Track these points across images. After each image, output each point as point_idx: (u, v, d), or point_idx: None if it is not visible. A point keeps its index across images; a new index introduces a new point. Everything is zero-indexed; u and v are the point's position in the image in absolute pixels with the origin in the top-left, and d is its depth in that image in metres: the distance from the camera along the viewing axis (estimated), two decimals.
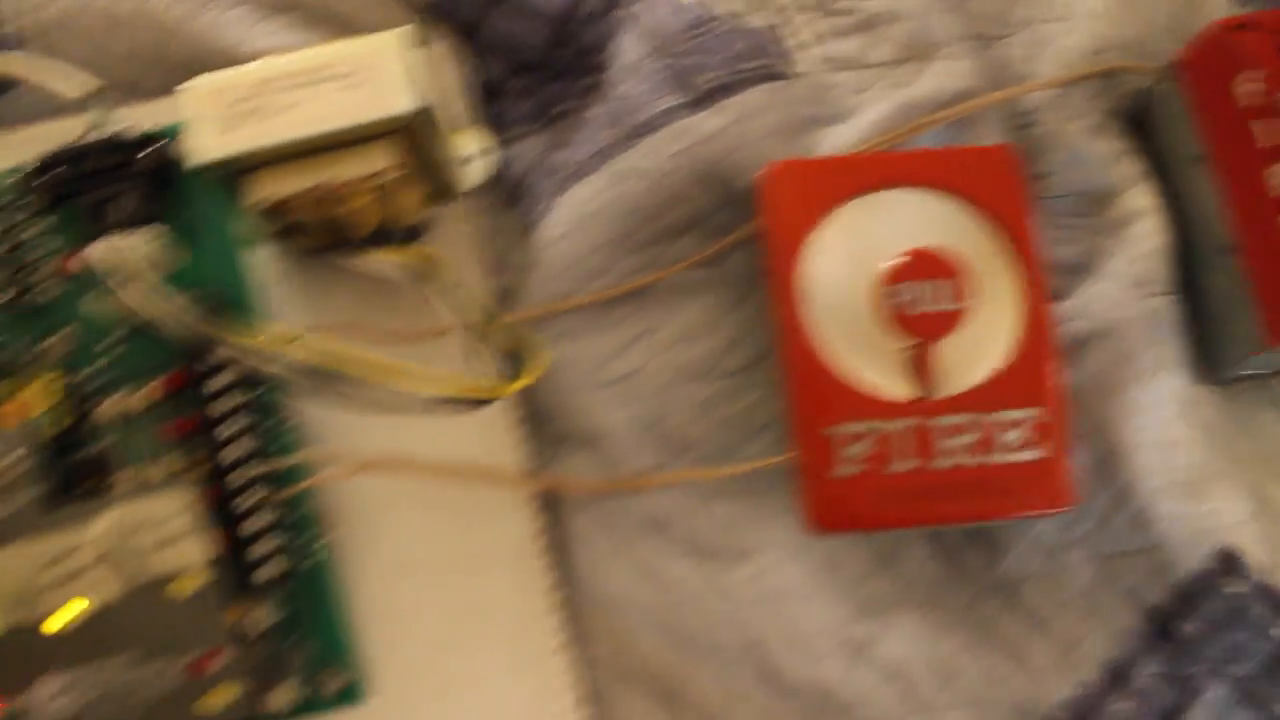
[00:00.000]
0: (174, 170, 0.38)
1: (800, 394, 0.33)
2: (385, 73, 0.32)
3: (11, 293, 0.39)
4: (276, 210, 0.33)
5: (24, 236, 0.39)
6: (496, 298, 0.37)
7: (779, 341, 0.34)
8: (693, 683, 0.35)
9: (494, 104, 0.39)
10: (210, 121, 0.33)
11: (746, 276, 0.36)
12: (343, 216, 0.34)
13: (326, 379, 0.31)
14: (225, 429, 0.35)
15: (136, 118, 0.38)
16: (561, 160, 0.38)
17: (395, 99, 0.32)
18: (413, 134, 0.34)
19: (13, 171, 0.39)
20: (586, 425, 0.36)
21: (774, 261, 0.34)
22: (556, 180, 0.37)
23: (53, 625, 0.35)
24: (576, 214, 0.36)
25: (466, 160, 0.38)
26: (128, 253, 0.34)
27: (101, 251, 0.35)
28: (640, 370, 0.36)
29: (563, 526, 0.36)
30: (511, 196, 0.38)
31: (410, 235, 0.36)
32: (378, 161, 0.33)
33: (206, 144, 0.33)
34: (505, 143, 0.39)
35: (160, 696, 0.34)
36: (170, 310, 0.32)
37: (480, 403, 0.32)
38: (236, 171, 0.34)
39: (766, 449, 0.35)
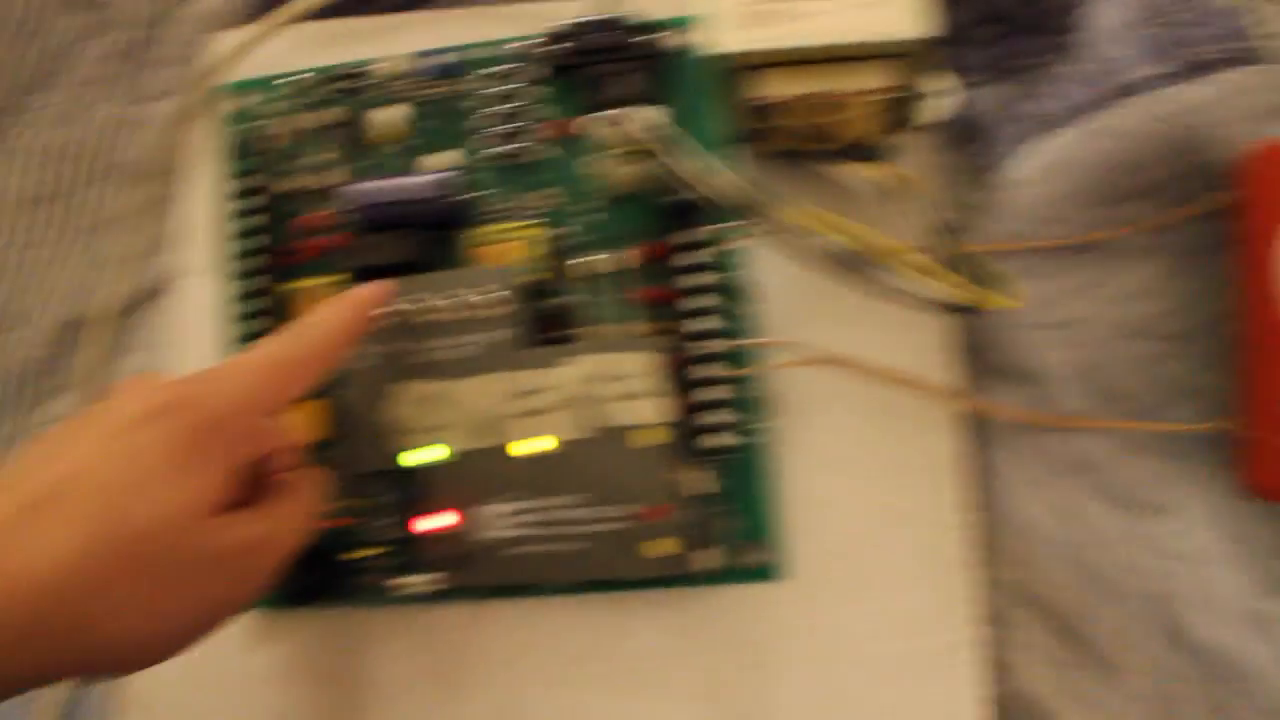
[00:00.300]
0: (670, 58, 0.40)
1: (1264, 365, 0.34)
2: None
3: (507, 149, 0.42)
4: (767, 110, 0.35)
5: (523, 100, 0.42)
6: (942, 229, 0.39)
7: (1246, 313, 0.35)
8: (1094, 623, 0.36)
9: (955, 48, 0.41)
10: (731, 17, 0.35)
11: (1199, 247, 0.38)
12: (829, 126, 0.36)
13: (849, 262, 0.32)
14: (693, 302, 0.37)
15: (642, 4, 0.40)
16: (1029, 110, 0.39)
17: (909, 23, 0.34)
18: (912, 60, 0.35)
19: (517, 40, 0.42)
20: (1023, 361, 0.38)
21: (1250, 237, 0.35)
22: (1023, 129, 0.39)
23: (515, 454, 0.38)
24: (1045, 163, 0.38)
25: (932, 95, 0.39)
26: (636, 125, 0.36)
27: (614, 119, 0.37)
28: (1084, 319, 0.38)
29: (986, 451, 0.38)
30: (965, 137, 0.40)
31: (876, 155, 0.38)
32: (878, 79, 0.35)
33: (725, 37, 0.35)
34: (970, 85, 0.41)
35: (606, 534, 0.36)
36: (711, 177, 0.34)
37: (965, 310, 0.34)
38: (742, 68, 0.35)
39: (1197, 414, 0.37)
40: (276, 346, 0.32)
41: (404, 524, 0.39)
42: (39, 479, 0.26)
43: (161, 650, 0.28)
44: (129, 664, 0.27)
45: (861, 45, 0.33)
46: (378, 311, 0.37)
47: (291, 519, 0.32)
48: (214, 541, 0.28)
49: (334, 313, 0.34)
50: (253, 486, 0.32)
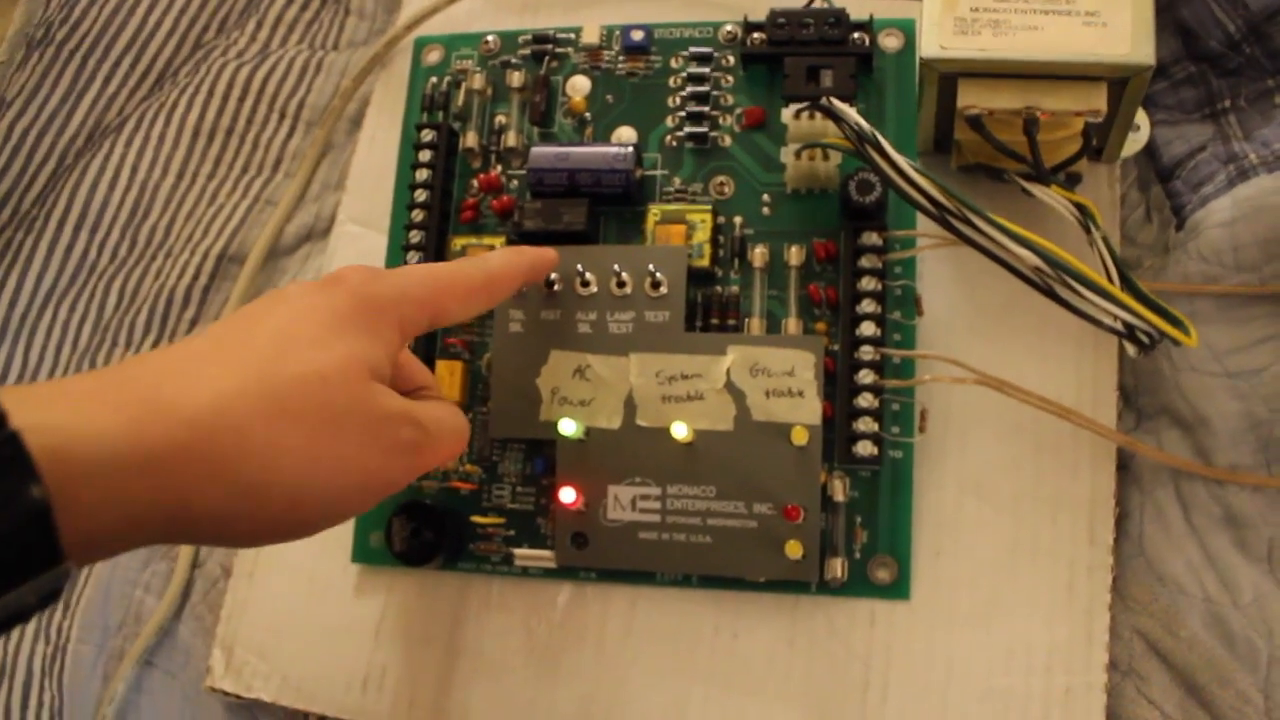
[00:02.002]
0: (876, 58, 0.40)
1: None
2: (1130, 20, 0.33)
3: (690, 131, 0.42)
4: (967, 121, 0.35)
5: (710, 85, 0.42)
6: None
7: None
8: (1229, 686, 0.35)
9: (1154, 83, 0.40)
10: (946, 24, 0.34)
11: None
12: (1024, 145, 0.35)
13: (1051, 278, 0.32)
14: (860, 308, 0.37)
15: (868, 4, 0.40)
16: (1224, 154, 0.38)
17: (1134, 48, 0.33)
18: (1122, 87, 0.34)
19: (711, 25, 0.42)
20: (1187, 407, 0.37)
21: None
22: (1215, 171, 0.38)
23: (656, 437, 0.37)
24: (1236, 208, 0.37)
25: (1131, 128, 0.38)
26: (843, 119, 0.36)
27: (822, 112, 0.37)
28: (1258, 370, 0.37)
29: (1134, 494, 0.37)
30: (1162, 175, 0.39)
31: (1065, 180, 0.37)
32: (1094, 101, 0.34)
33: (939, 41, 0.34)
34: (1156, 123, 0.40)
35: (736, 531, 0.36)
36: (912, 177, 0.34)
37: (1141, 342, 0.33)
38: (951, 76, 0.35)
39: None
40: (451, 266, 0.32)
41: (532, 495, 0.39)
42: (209, 331, 0.27)
43: (299, 510, 0.27)
44: (265, 520, 0.26)
45: (1076, 65, 0.33)
46: (545, 274, 0.37)
47: (450, 418, 0.32)
48: (372, 403, 0.27)
49: (512, 256, 0.35)
50: (408, 392, 0.32)
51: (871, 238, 0.37)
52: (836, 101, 0.35)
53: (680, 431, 0.36)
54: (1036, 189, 0.35)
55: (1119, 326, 0.32)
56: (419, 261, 0.41)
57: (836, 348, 0.37)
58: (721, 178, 0.40)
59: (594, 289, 0.38)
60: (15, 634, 0.44)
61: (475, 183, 0.42)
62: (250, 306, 0.28)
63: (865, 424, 0.36)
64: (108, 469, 0.23)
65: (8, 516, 0.21)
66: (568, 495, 0.36)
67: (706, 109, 0.40)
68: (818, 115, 0.37)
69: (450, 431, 0.32)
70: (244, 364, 0.25)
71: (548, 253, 0.36)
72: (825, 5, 0.38)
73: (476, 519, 0.39)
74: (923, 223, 0.38)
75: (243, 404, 0.25)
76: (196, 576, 0.43)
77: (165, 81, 0.51)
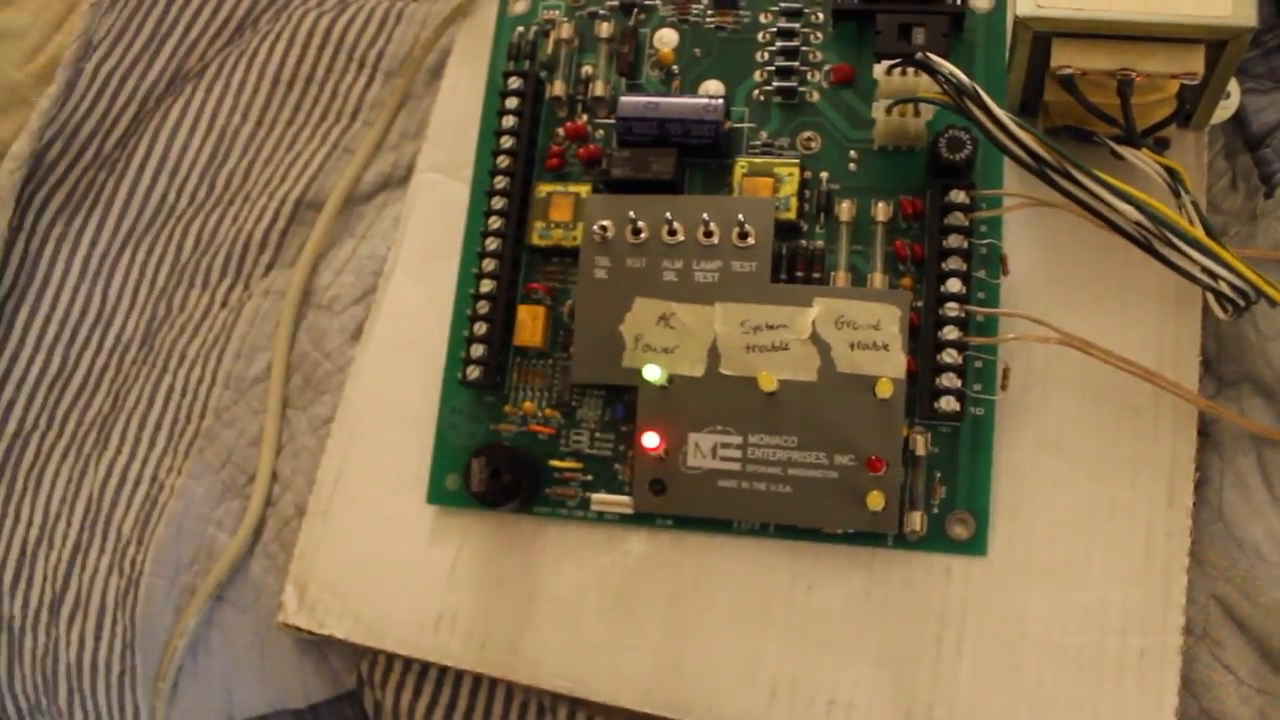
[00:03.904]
0: (967, 18, 0.41)
1: None
2: None
3: (779, 85, 0.42)
4: (1060, 82, 0.35)
5: (799, 40, 0.42)
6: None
7: None
8: None
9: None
10: None
11: None
12: (1118, 106, 0.35)
13: (1151, 233, 0.32)
14: (946, 265, 0.37)
15: None
16: None
17: (1235, 10, 0.33)
18: (1220, 51, 0.34)
19: None
20: (1275, 374, 0.37)
21: None
22: None
23: (739, 386, 0.38)
24: None
25: (1224, 94, 0.38)
26: (942, 74, 0.36)
27: (919, 67, 0.37)
28: None
29: (1215, 460, 0.37)
30: (1250, 143, 0.39)
31: (1157, 144, 0.37)
32: (1191, 64, 0.34)
33: (1034, 1, 0.34)
34: (1245, 91, 0.40)
35: (817, 481, 0.36)
36: (1014, 132, 0.34)
37: (1239, 306, 0.33)
38: (1045, 35, 0.35)
39: None
40: None
41: (610, 441, 0.40)
42: None
43: None
44: None
45: (1174, 26, 0.32)
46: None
47: None
48: None
49: None
50: None
51: (959, 196, 0.37)
52: (934, 55, 0.35)
53: (765, 381, 0.36)
54: (1127, 151, 0.35)
55: (1215, 285, 0.32)
56: (503, 208, 0.41)
57: (920, 304, 0.37)
58: (809, 133, 0.40)
59: (681, 238, 0.38)
60: (91, 565, 0.44)
61: (561, 131, 0.42)
62: None
63: (948, 380, 0.36)
64: None
65: None
66: (651, 440, 0.37)
67: (795, 64, 0.41)
68: (910, 72, 0.37)
69: None
70: None
71: None
72: None
73: (554, 463, 0.39)
74: (1009, 183, 0.38)
75: None
76: (269, 515, 0.44)
77: (246, 29, 0.52)
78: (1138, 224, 0.32)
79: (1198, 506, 0.37)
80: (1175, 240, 0.32)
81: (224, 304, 0.48)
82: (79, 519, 0.46)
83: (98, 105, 0.51)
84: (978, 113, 0.34)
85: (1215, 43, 0.33)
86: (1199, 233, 0.32)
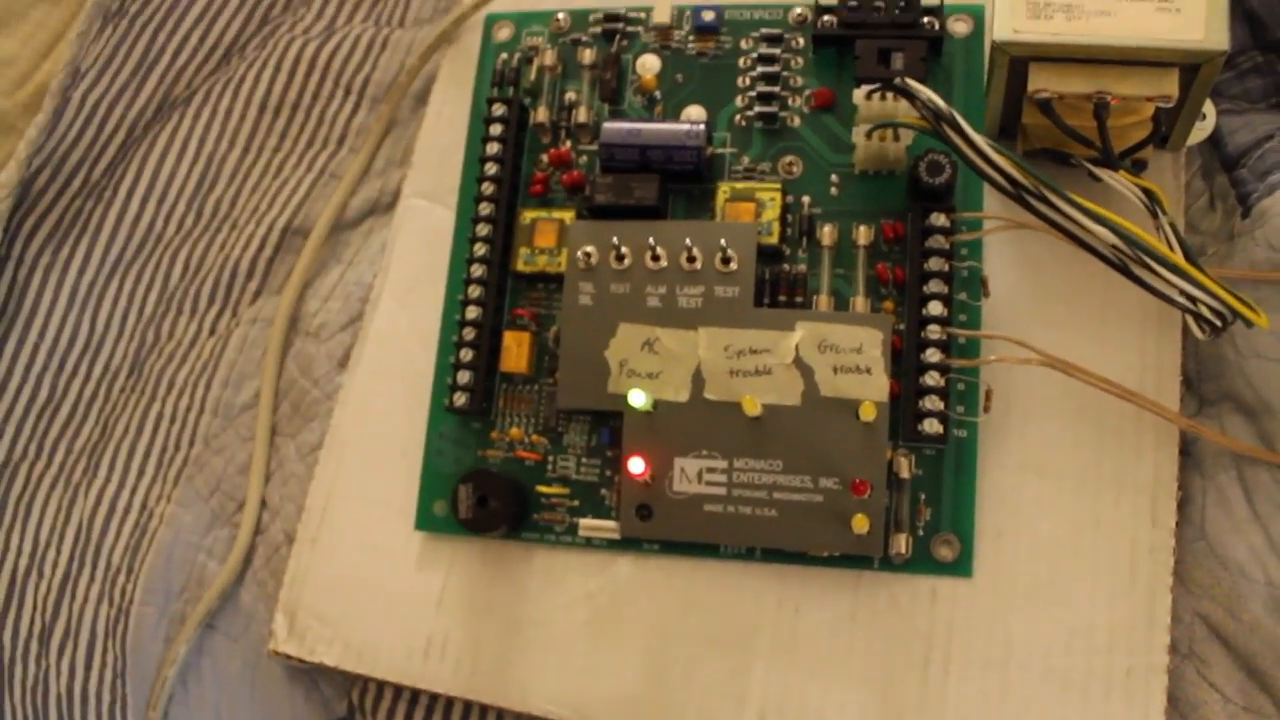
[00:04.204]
0: (946, 43, 0.41)
1: None
2: (1204, 6, 0.33)
3: (760, 111, 0.42)
4: (1036, 105, 0.35)
5: (780, 65, 0.43)
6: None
7: None
8: None
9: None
10: (1021, 6, 0.35)
11: None
12: (1092, 129, 0.35)
13: (1127, 256, 0.32)
14: (927, 288, 0.37)
15: None
16: None
17: (1208, 35, 0.33)
18: (1198, 73, 0.35)
19: (781, 6, 0.43)
20: (1254, 393, 0.37)
21: None
22: None
23: (723, 411, 0.38)
24: None
25: (1199, 115, 0.39)
26: (919, 99, 0.36)
27: (895, 92, 0.37)
28: None
29: (1197, 478, 0.37)
30: (1227, 163, 0.39)
31: (1133, 166, 0.38)
32: (1165, 87, 0.34)
33: (1013, 25, 0.35)
34: (1221, 112, 0.40)
35: (801, 505, 0.37)
36: (990, 156, 0.34)
37: (1216, 327, 0.33)
38: (1021, 59, 0.35)
39: None
40: None
41: (597, 466, 0.40)
42: None
43: None
44: None
45: (1149, 50, 0.33)
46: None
47: None
48: None
49: None
50: None
51: (940, 219, 0.37)
52: (912, 81, 0.35)
53: (749, 405, 0.36)
54: (1105, 173, 0.36)
55: (1194, 307, 0.32)
56: (488, 234, 0.41)
57: (903, 327, 0.37)
58: (790, 158, 0.41)
59: (664, 263, 0.38)
60: (80, 594, 0.44)
61: (545, 158, 0.42)
62: None
63: (931, 402, 0.36)
64: None
65: None
66: (637, 465, 0.37)
67: (776, 89, 0.41)
68: (889, 97, 0.37)
69: None
70: None
71: None
72: None
73: (541, 489, 0.39)
74: (989, 205, 0.38)
75: None
76: (259, 543, 0.44)
77: (233, 56, 0.52)
78: (1114, 247, 0.32)
79: (1180, 525, 0.37)
80: (1151, 263, 0.32)
81: (212, 331, 0.48)
82: (69, 548, 0.46)
83: (85, 133, 0.51)
84: (955, 137, 0.34)
85: (1189, 66, 0.34)
86: (1175, 256, 0.32)
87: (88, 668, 0.44)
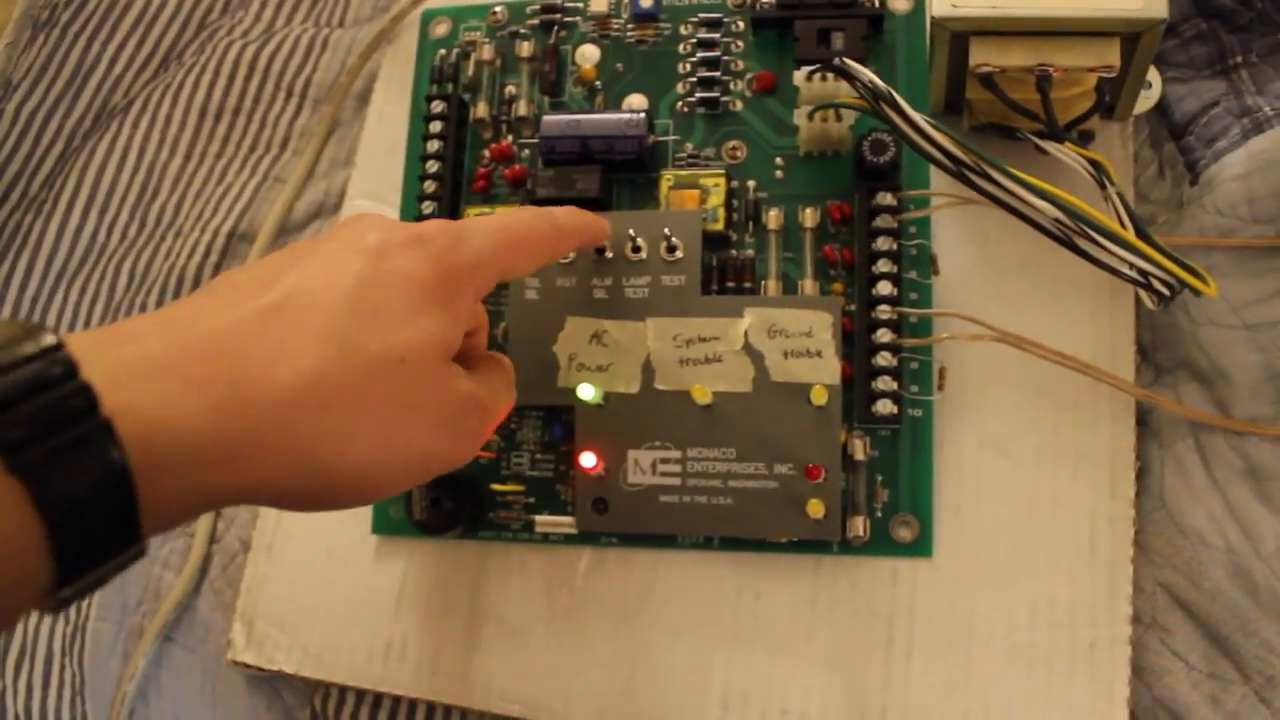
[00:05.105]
0: (886, 20, 0.41)
1: None
2: None
3: (701, 96, 0.42)
4: (979, 80, 0.35)
5: (719, 50, 0.42)
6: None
7: None
8: (1253, 636, 0.35)
9: (1165, 40, 0.40)
10: None
11: None
12: (1036, 103, 0.35)
13: (1071, 230, 0.32)
14: (876, 268, 0.37)
15: None
16: (1251, 105, 0.38)
17: (1148, 3, 0.33)
18: (1135, 43, 0.34)
19: None
20: (1205, 360, 0.37)
21: None
22: (1244, 124, 0.38)
23: (675, 401, 0.38)
24: (1265, 158, 0.37)
25: (1143, 84, 0.38)
26: (859, 80, 0.35)
27: (836, 73, 0.37)
28: (1278, 323, 0.36)
29: (1154, 448, 0.37)
30: (1169, 131, 0.39)
31: (1079, 137, 0.37)
32: (1107, 57, 0.34)
33: (950, 1, 0.34)
34: (1167, 80, 0.40)
35: (757, 492, 0.36)
36: (931, 135, 0.34)
37: (1164, 296, 0.33)
38: (962, 34, 0.35)
39: None
40: (523, 220, 0.31)
41: (551, 462, 0.39)
42: (281, 284, 0.25)
43: (364, 488, 0.27)
44: (330, 495, 0.26)
45: (1089, 20, 0.33)
46: (600, 241, 0.37)
47: (506, 389, 0.33)
48: (446, 389, 0.27)
49: (576, 214, 0.35)
50: (464, 351, 0.30)
51: (886, 198, 0.37)
52: (850, 61, 0.35)
53: (700, 394, 0.36)
54: (1051, 146, 0.35)
55: (1140, 278, 0.32)
56: None
57: (853, 308, 0.37)
58: (734, 142, 0.40)
59: (609, 254, 0.38)
60: (34, 613, 0.43)
61: (487, 153, 0.42)
62: (323, 248, 0.27)
63: (884, 383, 0.36)
64: (191, 460, 0.23)
65: (96, 497, 0.21)
66: (588, 460, 0.36)
67: (717, 74, 0.41)
68: (830, 77, 0.37)
69: (506, 402, 0.32)
70: (324, 337, 0.24)
71: (604, 221, 0.36)
72: None
73: (496, 486, 0.39)
74: (937, 182, 0.38)
75: (324, 386, 0.25)
76: (214, 551, 0.43)
77: (171, 62, 0.51)
78: (1057, 221, 0.32)
79: (1140, 495, 0.37)
80: (1096, 236, 0.32)
81: None
82: None
83: (21, 146, 0.50)
84: (894, 116, 0.34)
85: (1130, 35, 0.34)
86: (1118, 228, 0.32)
87: (45, 686, 0.43)
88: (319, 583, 0.41)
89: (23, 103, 0.49)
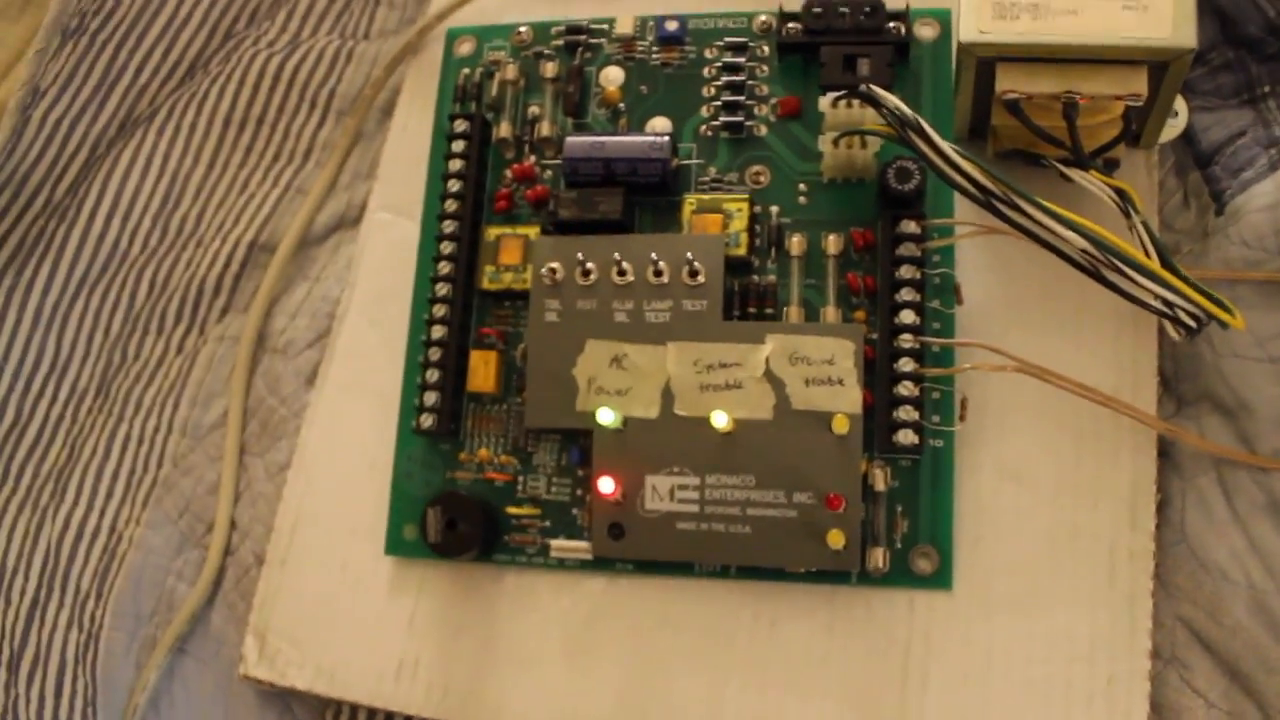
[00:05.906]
0: (912, 47, 0.40)
1: None
2: (1171, 3, 0.33)
3: (726, 120, 0.42)
4: (1005, 107, 0.35)
5: (745, 74, 0.42)
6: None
7: None
8: (1274, 674, 0.34)
9: (1192, 69, 0.39)
10: (987, 7, 0.34)
11: None
12: (1062, 130, 0.35)
13: (1099, 260, 0.32)
14: (899, 296, 0.37)
15: None
16: (1264, 138, 0.38)
17: (1175, 31, 0.33)
18: (1162, 72, 0.34)
19: (745, 14, 0.42)
20: (1229, 393, 0.36)
21: None
22: (1271, 155, 0.37)
23: (695, 427, 0.37)
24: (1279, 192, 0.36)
25: (1170, 113, 0.38)
26: (885, 106, 0.35)
27: (861, 99, 0.37)
28: None
29: (1177, 481, 0.37)
30: (1200, 160, 0.39)
31: (1105, 166, 0.37)
32: (1134, 85, 0.34)
33: (978, 25, 0.34)
34: (1193, 109, 0.40)
35: (776, 520, 0.36)
36: (956, 163, 0.33)
37: (1190, 328, 0.33)
38: (988, 61, 0.35)
39: None
40: None
41: (568, 486, 0.39)
42: None
43: None
44: None
45: (1117, 48, 0.32)
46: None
47: None
48: None
49: None
50: None
51: (910, 226, 0.36)
52: (876, 88, 0.34)
53: (720, 420, 0.36)
54: (1076, 174, 0.35)
55: (1166, 309, 0.32)
56: (453, 252, 0.40)
57: (875, 336, 0.36)
58: (757, 167, 0.40)
59: (630, 278, 0.37)
60: (49, 621, 0.44)
61: (509, 173, 0.42)
62: None
63: (906, 412, 0.36)
64: None
65: None
66: (606, 485, 0.36)
67: (742, 99, 0.40)
68: (856, 103, 0.37)
69: None
70: None
71: None
72: None
73: (512, 510, 0.39)
74: (960, 211, 0.37)
75: None
76: (229, 564, 0.43)
77: (196, 71, 0.51)
78: (1085, 252, 0.32)
79: (1160, 528, 0.36)
80: (1123, 267, 0.31)
81: (179, 350, 0.48)
82: (36, 573, 0.45)
83: (47, 152, 0.50)
84: (921, 144, 0.33)
85: (1157, 64, 0.33)
86: (1147, 260, 0.32)
87: (58, 695, 0.43)
88: (332, 599, 0.41)
89: (49, 109, 0.50)
